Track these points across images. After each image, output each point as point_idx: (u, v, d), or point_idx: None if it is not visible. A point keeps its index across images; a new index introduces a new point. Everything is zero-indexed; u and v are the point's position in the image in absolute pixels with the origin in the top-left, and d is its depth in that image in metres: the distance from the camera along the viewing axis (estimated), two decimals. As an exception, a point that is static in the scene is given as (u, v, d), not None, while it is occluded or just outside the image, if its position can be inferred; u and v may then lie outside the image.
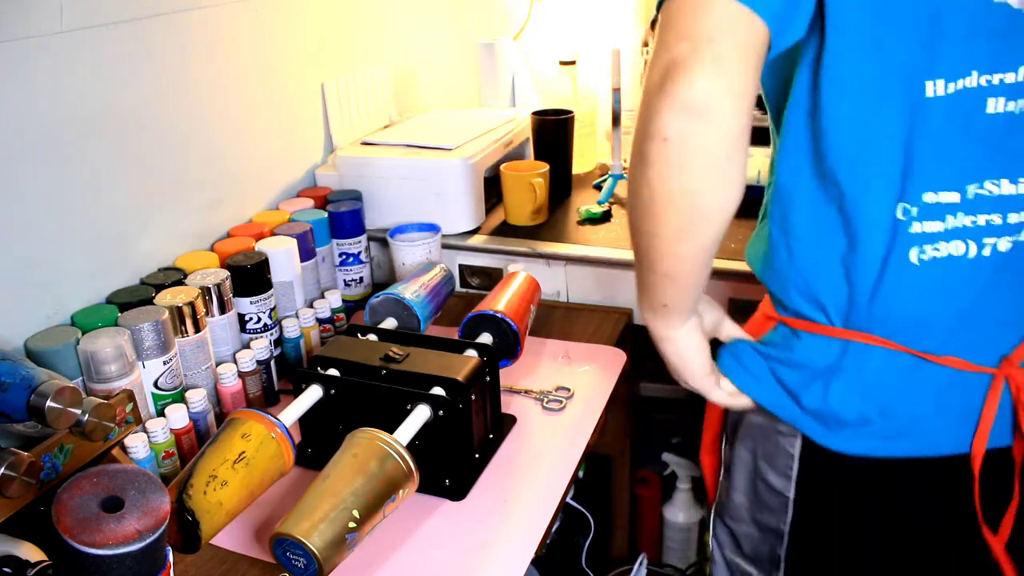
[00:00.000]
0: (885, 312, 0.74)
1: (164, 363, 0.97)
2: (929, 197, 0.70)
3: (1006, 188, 0.70)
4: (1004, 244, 0.71)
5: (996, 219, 0.71)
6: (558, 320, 1.28)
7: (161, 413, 0.98)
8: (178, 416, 0.96)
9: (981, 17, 0.66)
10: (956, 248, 0.71)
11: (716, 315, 0.85)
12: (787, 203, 0.76)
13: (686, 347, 0.79)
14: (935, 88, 0.67)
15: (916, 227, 0.71)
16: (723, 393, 0.83)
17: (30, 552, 0.75)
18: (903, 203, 0.71)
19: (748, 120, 0.64)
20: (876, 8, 0.66)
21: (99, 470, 0.66)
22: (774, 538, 0.87)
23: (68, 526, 0.61)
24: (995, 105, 0.68)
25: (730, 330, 0.86)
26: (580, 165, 1.63)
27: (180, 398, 1.00)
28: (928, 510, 0.81)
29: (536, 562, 0.87)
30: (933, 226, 0.71)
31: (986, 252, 0.71)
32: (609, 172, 1.54)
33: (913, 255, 0.72)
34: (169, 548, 0.69)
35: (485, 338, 1.06)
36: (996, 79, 0.67)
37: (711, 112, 0.62)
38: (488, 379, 0.97)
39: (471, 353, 0.99)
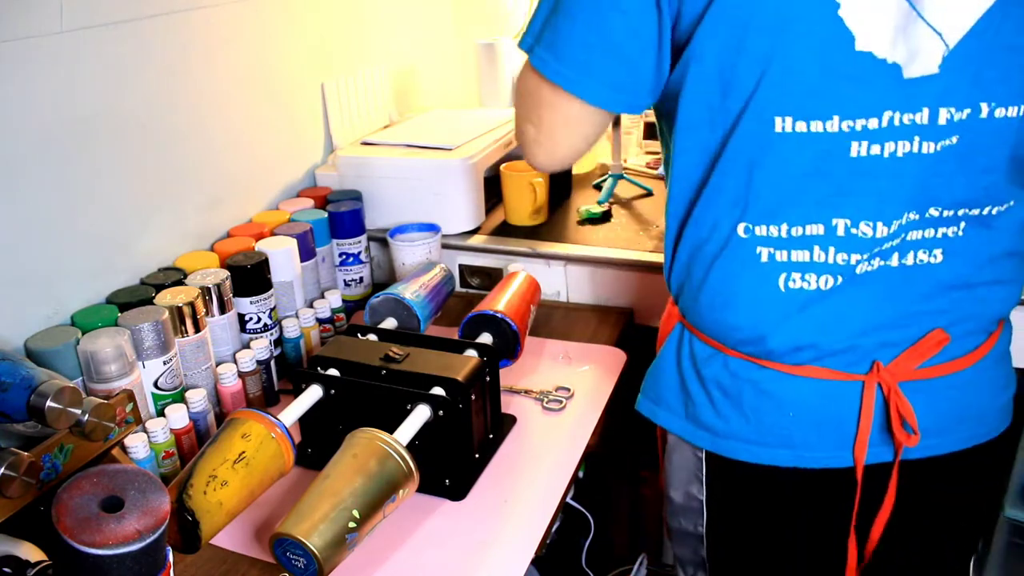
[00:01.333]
0: (752, 334, 0.77)
1: (164, 363, 0.97)
2: (795, 231, 0.73)
3: (874, 226, 0.72)
4: (868, 267, 0.74)
5: (863, 255, 0.74)
6: (558, 320, 1.28)
7: (161, 413, 0.98)
8: (178, 416, 0.96)
9: (838, 63, 0.67)
10: (824, 282, 0.74)
11: None
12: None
13: None
14: (783, 124, 0.69)
15: (781, 255, 0.74)
16: None
17: (30, 552, 0.75)
18: (745, 223, 0.74)
19: (567, 159, 0.84)
20: (729, 38, 0.68)
21: (99, 470, 0.66)
22: (695, 541, 0.92)
23: (68, 526, 0.61)
24: (859, 149, 0.70)
25: None
26: (580, 165, 1.63)
27: (180, 398, 1.00)
28: (805, 521, 0.84)
29: (536, 562, 0.87)
30: (799, 255, 0.74)
31: (857, 271, 0.74)
32: (609, 172, 1.54)
33: (780, 282, 0.75)
34: (169, 548, 0.69)
35: (485, 338, 1.06)
36: (859, 124, 0.69)
37: (547, 170, 0.86)
38: (488, 379, 0.97)
39: (471, 353, 0.99)
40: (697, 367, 0.83)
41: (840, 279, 0.74)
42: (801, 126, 0.69)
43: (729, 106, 0.71)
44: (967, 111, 0.69)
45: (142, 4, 1.05)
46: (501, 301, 1.09)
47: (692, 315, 0.83)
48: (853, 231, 0.72)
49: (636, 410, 0.91)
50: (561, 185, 1.54)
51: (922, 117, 0.68)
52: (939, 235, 0.74)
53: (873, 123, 0.69)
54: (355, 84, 1.52)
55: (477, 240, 1.37)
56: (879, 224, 0.72)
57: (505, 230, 1.40)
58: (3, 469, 0.73)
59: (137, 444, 0.90)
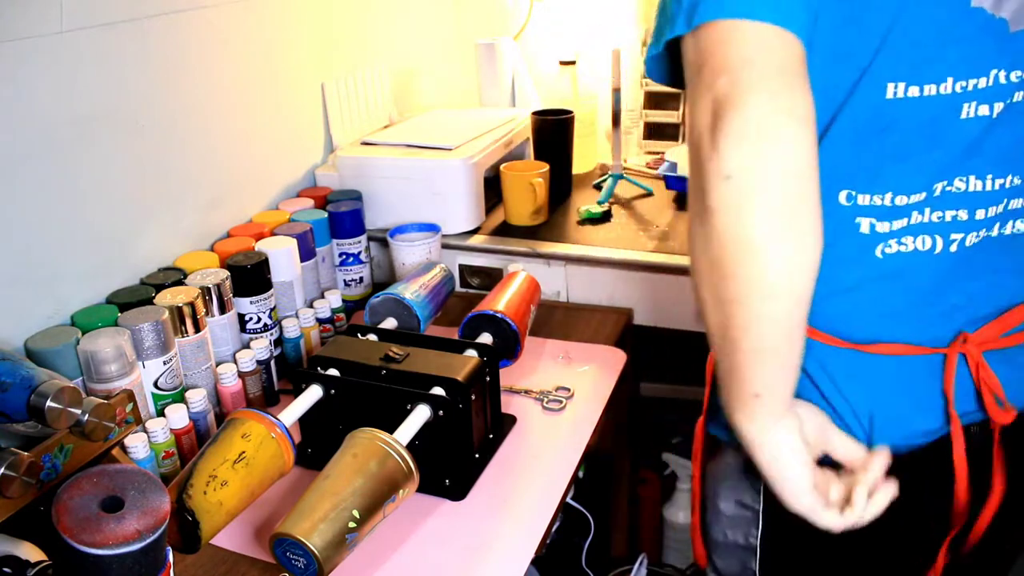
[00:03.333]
0: (844, 308, 0.74)
1: (164, 363, 0.97)
2: (899, 199, 0.70)
3: (974, 184, 0.71)
4: (971, 239, 0.73)
5: (963, 215, 0.72)
6: (558, 320, 1.28)
7: (161, 413, 0.98)
8: (178, 416, 0.96)
9: (954, 24, 0.66)
10: (922, 243, 0.72)
11: (820, 421, 0.73)
12: None
13: (782, 452, 0.66)
14: (895, 90, 0.67)
15: (882, 226, 0.71)
16: (834, 514, 0.68)
17: (30, 552, 0.75)
18: (848, 190, 0.71)
19: (814, 147, 0.59)
20: (843, 12, 0.65)
21: (99, 470, 0.66)
22: (746, 554, 0.86)
23: (68, 526, 0.61)
24: (968, 110, 0.69)
25: (841, 442, 0.72)
26: (580, 165, 1.63)
27: (180, 398, 1.00)
28: (900, 508, 0.82)
29: (536, 562, 0.87)
30: (899, 223, 0.71)
31: (952, 248, 0.72)
32: (609, 172, 1.54)
33: (878, 251, 0.72)
34: (169, 548, 0.69)
35: (485, 338, 1.06)
36: (971, 85, 0.68)
37: (773, 136, 0.57)
38: (488, 379, 0.97)
39: (471, 353, 0.99)
40: None
41: (941, 246, 0.72)
42: (914, 91, 0.66)
43: (839, 76, 0.67)
44: None
45: (142, 4, 1.05)
46: (501, 301, 1.09)
47: None
48: (958, 197, 0.70)
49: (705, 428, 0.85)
50: (561, 185, 1.54)
51: (1021, 74, 0.68)
52: None
53: (983, 82, 0.67)
54: (355, 84, 1.52)
55: (477, 240, 1.37)
56: (985, 189, 0.70)
57: (505, 230, 1.40)
58: (3, 469, 0.73)
59: (137, 444, 0.90)
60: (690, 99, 0.61)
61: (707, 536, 0.91)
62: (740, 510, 0.85)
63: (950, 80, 0.67)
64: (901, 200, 0.71)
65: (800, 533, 0.79)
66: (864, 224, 0.72)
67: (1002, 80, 0.68)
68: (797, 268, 0.59)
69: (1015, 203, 0.73)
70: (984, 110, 0.69)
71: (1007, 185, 0.72)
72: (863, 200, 0.71)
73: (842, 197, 0.71)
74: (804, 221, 0.58)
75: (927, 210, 0.71)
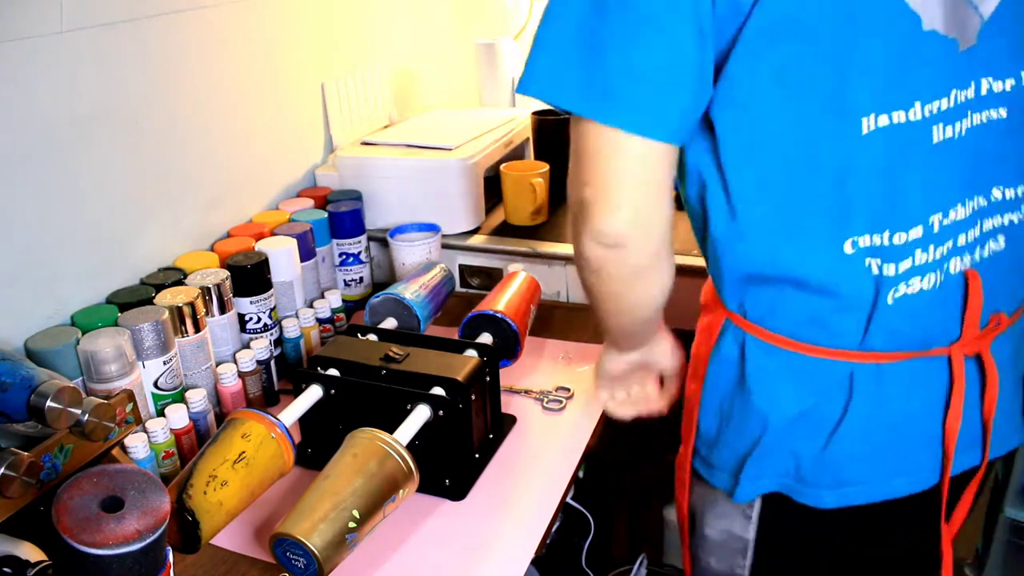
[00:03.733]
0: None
1: (164, 363, 0.97)
2: (897, 238, 0.69)
3: (959, 213, 0.71)
4: (965, 262, 0.72)
5: (961, 240, 0.71)
6: (558, 320, 1.28)
7: (161, 413, 0.98)
8: (178, 416, 0.96)
9: (912, 48, 0.65)
10: (927, 282, 0.71)
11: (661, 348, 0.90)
12: None
13: (610, 362, 0.91)
14: (868, 124, 0.66)
15: (888, 269, 0.70)
16: (610, 400, 0.95)
17: (30, 552, 0.75)
18: (851, 237, 0.69)
19: (661, 239, 0.71)
20: (793, 54, 0.64)
21: (99, 470, 0.66)
22: None
23: (68, 526, 0.61)
24: (939, 133, 0.68)
25: (660, 356, 0.90)
26: (580, 165, 1.63)
27: (180, 398, 1.00)
28: (893, 554, 0.82)
29: (536, 562, 0.87)
30: (904, 264, 0.70)
31: (952, 272, 0.72)
32: (609, 172, 1.54)
33: (889, 297, 0.71)
34: (169, 548, 0.69)
35: (485, 338, 1.06)
36: (935, 107, 0.67)
37: (620, 244, 0.69)
38: (488, 379, 0.97)
39: (471, 353, 0.99)
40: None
41: (941, 279, 0.71)
42: (884, 120, 0.66)
43: (803, 117, 0.66)
44: (1011, 81, 0.69)
45: (142, 4, 1.05)
46: (501, 301, 1.09)
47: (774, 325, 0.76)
48: (945, 223, 0.70)
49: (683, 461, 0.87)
50: (561, 185, 1.54)
51: (972, 91, 0.68)
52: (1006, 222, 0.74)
53: (945, 103, 0.67)
54: (355, 84, 1.52)
55: (477, 240, 1.37)
56: (962, 211, 0.71)
57: (505, 230, 1.40)
58: (3, 469, 0.73)
59: (137, 444, 0.90)
60: (569, 175, 0.71)
61: (693, 558, 0.91)
62: (728, 539, 0.84)
63: (917, 104, 0.66)
64: (900, 238, 0.69)
65: (792, 563, 0.82)
66: (873, 266, 0.70)
67: (960, 99, 0.68)
68: (638, 307, 0.77)
69: (988, 223, 0.72)
70: (950, 131, 0.68)
71: (975, 208, 0.71)
72: (864, 242, 0.69)
73: (847, 247, 0.69)
74: (646, 285, 0.74)
75: (931, 247, 0.70)
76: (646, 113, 0.64)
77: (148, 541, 0.63)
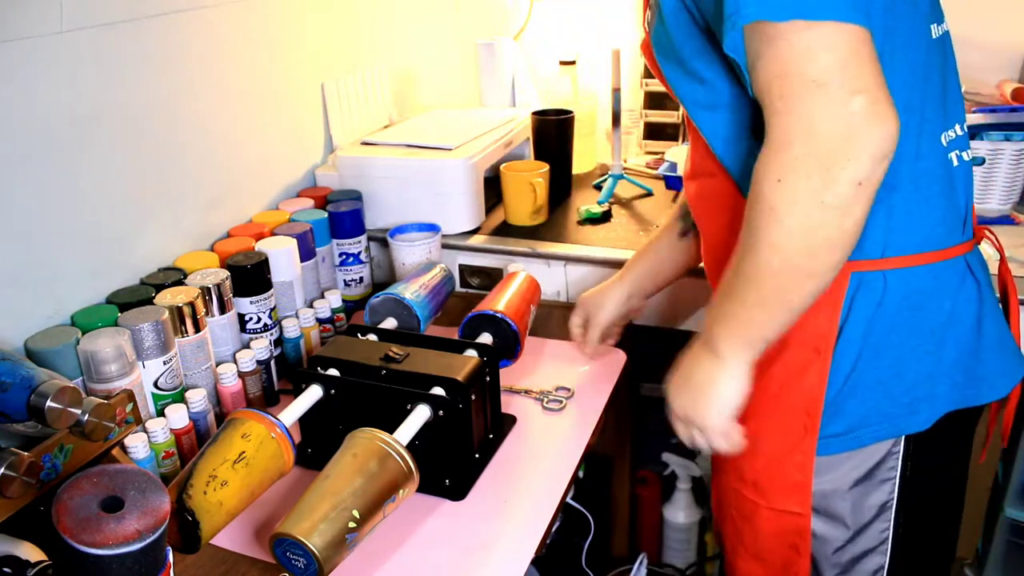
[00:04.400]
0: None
1: (164, 363, 0.97)
2: (957, 127, 0.81)
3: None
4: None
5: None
6: (558, 320, 1.28)
7: (161, 413, 0.98)
8: (178, 416, 0.96)
9: None
10: (958, 160, 0.82)
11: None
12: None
13: (745, 382, 0.77)
14: (936, 30, 0.77)
15: (955, 157, 0.81)
16: (734, 437, 0.80)
17: (30, 552, 0.75)
18: (944, 132, 0.79)
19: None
20: None
21: (99, 470, 0.66)
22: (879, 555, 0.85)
23: (68, 526, 0.61)
24: (935, 30, 0.79)
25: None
26: (580, 165, 1.63)
27: (180, 398, 1.00)
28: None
29: (536, 562, 0.87)
30: (958, 147, 0.81)
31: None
32: (609, 172, 1.54)
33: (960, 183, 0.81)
34: (169, 548, 0.69)
35: (485, 338, 1.06)
36: (945, 26, 0.80)
37: (894, 148, 0.66)
38: (488, 379, 0.97)
39: (471, 353, 0.99)
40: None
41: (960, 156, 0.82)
42: (938, 30, 0.78)
43: (903, 26, 0.73)
44: None
45: (142, 4, 1.05)
46: (501, 301, 1.09)
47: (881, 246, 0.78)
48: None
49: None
50: (561, 185, 1.54)
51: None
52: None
53: (944, 26, 0.81)
54: (355, 84, 1.52)
55: (477, 240, 1.37)
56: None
57: (505, 230, 1.40)
58: (3, 469, 0.73)
59: (137, 444, 0.90)
60: (793, 92, 0.64)
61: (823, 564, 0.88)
62: (868, 510, 0.85)
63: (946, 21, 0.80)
64: (958, 128, 0.81)
65: (935, 495, 0.87)
66: (953, 157, 0.80)
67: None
68: (845, 255, 0.70)
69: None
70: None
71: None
72: (950, 135, 0.80)
73: (943, 140, 0.79)
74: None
75: (956, 126, 0.81)
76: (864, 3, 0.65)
77: (148, 541, 0.63)
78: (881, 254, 0.78)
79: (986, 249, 0.92)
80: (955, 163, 0.79)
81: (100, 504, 0.64)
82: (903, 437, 0.81)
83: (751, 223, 0.70)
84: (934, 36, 0.77)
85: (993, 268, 0.89)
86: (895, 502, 0.83)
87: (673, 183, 1.49)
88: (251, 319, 1.12)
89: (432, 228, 1.33)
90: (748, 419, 0.81)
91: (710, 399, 0.78)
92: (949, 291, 0.79)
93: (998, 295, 0.88)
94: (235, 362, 1.06)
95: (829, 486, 0.83)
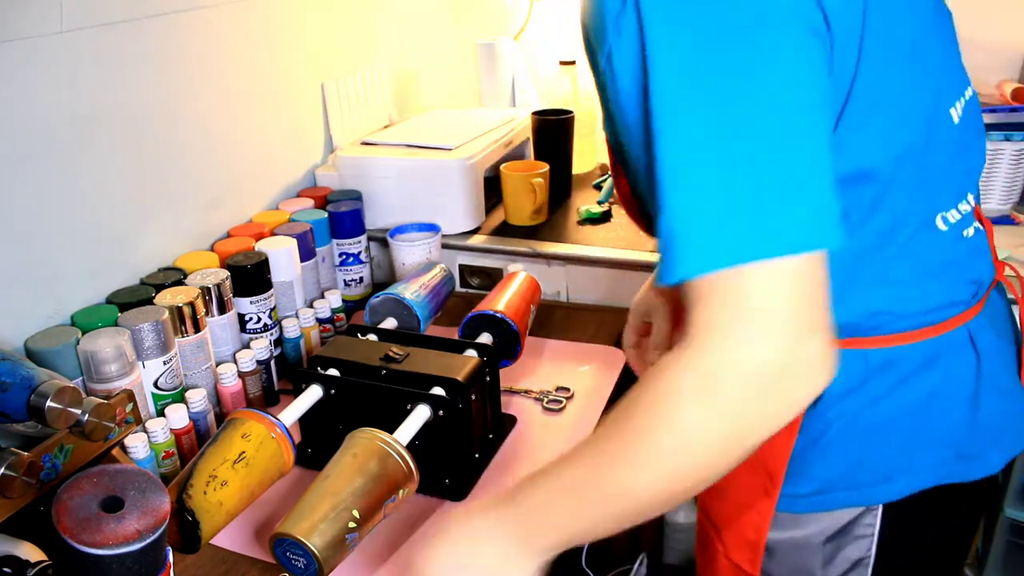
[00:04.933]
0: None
1: (164, 363, 0.97)
2: (970, 198, 0.74)
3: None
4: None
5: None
6: (558, 320, 1.28)
7: (161, 413, 0.98)
8: (178, 416, 0.96)
9: (946, 30, 0.70)
10: (971, 230, 0.75)
11: None
12: None
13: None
14: (955, 114, 0.69)
15: (967, 231, 0.75)
16: None
17: (30, 552, 0.75)
18: (941, 213, 0.71)
19: None
20: (896, 51, 0.62)
21: (99, 470, 0.66)
22: None
23: (68, 526, 0.61)
24: (969, 91, 0.73)
25: None
26: (580, 165, 1.63)
27: (180, 398, 1.00)
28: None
29: (536, 562, 0.87)
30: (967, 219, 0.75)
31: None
32: (609, 172, 1.54)
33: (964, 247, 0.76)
34: (169, 548, 0.69)
35: (485, 338, 1.06)
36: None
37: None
38: (488, 379, 0.97)
39: (471, 353, 0.99)
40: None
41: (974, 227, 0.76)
42: (961, 104, 0.70)
43: (917, 110, 0.65)
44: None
45: (142, 4, 1.05)
46: (501, 301, 1.09)
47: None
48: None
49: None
50: (561, 185, 1.54)
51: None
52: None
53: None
54: (355, 84, 1.52)
55: (477, 240, 1.37)
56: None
57: (505, 230, 1.40)
58: (3, 469, 0.74)
59: (137, 444, 0.90)
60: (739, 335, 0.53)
61: None
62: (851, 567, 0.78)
63: (967, 77, 0.72)
64: (971, 198, 0.74)
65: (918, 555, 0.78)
66: (969, 232, 0.74)
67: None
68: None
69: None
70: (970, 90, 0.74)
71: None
72: (954, 217, 0.72)
73: (939, 223, 0.71)
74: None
75: (970, 196, 0.75)
76: (823, 218, 0.54)
77: (148, 541, 0.63)
78: (864, 334, 0.72)
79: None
80: (971, 234, 0.73)
81: (100, 504, 0.64)
82: (880, 505, 0.76)
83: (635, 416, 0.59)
84: (955, 121, 0.69)
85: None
86: (872, 559, 0.77)
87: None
88: (251, 319, 1.12)
89: (432, 228, 1.33)
90: None
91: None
92: (940, 365, 0.72)
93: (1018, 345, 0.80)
94: (235, 362, 1.06)
95: (801, 536, 0.78)
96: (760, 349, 0.53)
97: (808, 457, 0.75)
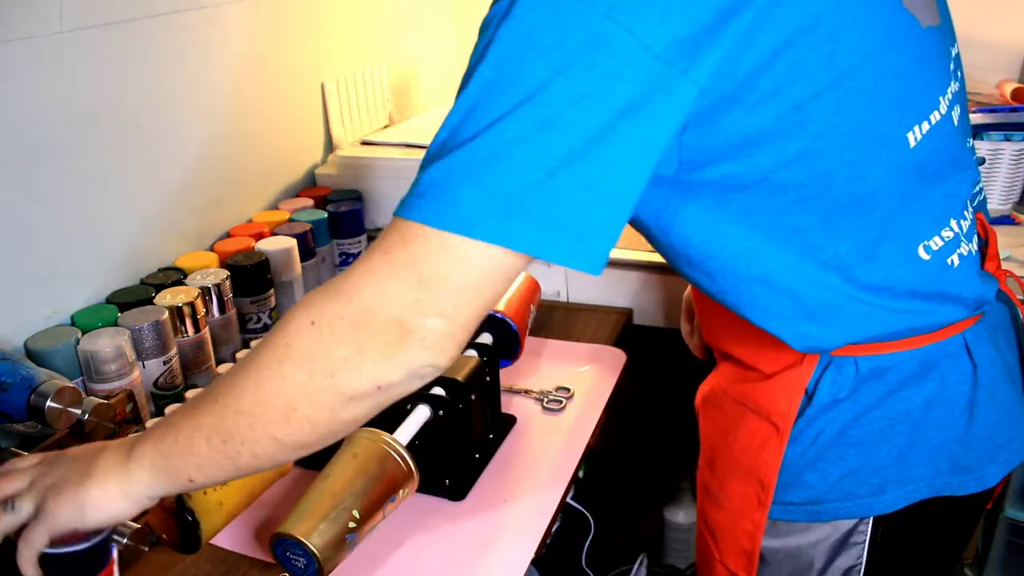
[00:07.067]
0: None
1: (164, 363, 0.97)
2: (952, 225, 0.70)
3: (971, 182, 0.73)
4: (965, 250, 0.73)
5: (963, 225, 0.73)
6: (558, 320, 1.28)
7: (161, 413, 0.98)
8: (178, 416, 0.96)
9: (922, 50, 0.66)
10: (967, 248, 0.73)
11: None
12: None
13: (129, 514, 0.64)
14: (915, 136, 0.65)
15: (959, 250, 0.72)
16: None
17: None
18: (923, 242, 0.69)
19: None
20: (832, 77, 0.60)
21: None
22: None
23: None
24: (956, 112, 0.69)
25: None
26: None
27: (180, 398, 1.00)
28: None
29: (536, 562, 0.87)
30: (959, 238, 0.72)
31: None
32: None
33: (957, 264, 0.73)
34: (113, 546, 0.69)
35: (485, 338, 1.06)
36: (948, 97, 0.68)
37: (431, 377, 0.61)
38: (488, 379, 0.97)
39: (471, 353, 0.99)
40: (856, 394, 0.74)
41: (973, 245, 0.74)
42: (925, 127, 0.66)
43: (865, 139, 0.62)
44: (955, 48, 0.73)
45: (142, 4, 1.05)
46: (501, 301, 1.09)
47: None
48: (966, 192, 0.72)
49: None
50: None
51: (952, 65, 0.71)
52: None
53: (953, 86, 0.69)
54: (355, 84, 1.52)
55: (477, 240, 1.36)
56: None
57: (505, 230, 1.39)
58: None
59: (137, 444, 0.90)
60: (394, 287, 0.57)
61: None
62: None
63: (941, 100, 0.67)
64: (956, 222, 0.70)
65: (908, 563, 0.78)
66: (955, 259, 0.70)
67: (951, 74, 0.70)
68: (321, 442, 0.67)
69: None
70: (958, 110, 0.70)
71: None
72: (936, 244, 0.69)
73: (920, 252, 0.69)
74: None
75: (966, 212, 0.72)
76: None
77: (95, 542, 0.63)
78: (854, 341, 0.71)
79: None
80: (955, 263, 0.70)
81: None
82: (871, 517, 0.75)
83: (264, 339, 0.60)
84: (912, 144, 0.65)
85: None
86: (863, 567, 0.77)
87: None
88: (251, 319, 1.12)
89: (432, 228, 1.33)
90: (716, 467, 0.80)
91: (76, 499, 0.62)
92: (935, 374, 0.71)
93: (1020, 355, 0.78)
94: (235, 362, 1.06)
95: (795, 545, 0.78)
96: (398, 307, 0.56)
97: (800, 466, 0.75)
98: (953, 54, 0.72)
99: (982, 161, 1.29)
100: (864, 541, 0.75)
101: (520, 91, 0.55)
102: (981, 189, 0.78)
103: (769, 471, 0.75)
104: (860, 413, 0.72)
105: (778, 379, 0.74)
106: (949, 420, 0.72)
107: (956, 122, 0.70)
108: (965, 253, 0.72)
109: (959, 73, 0.73)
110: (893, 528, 0.75)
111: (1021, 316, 0.78)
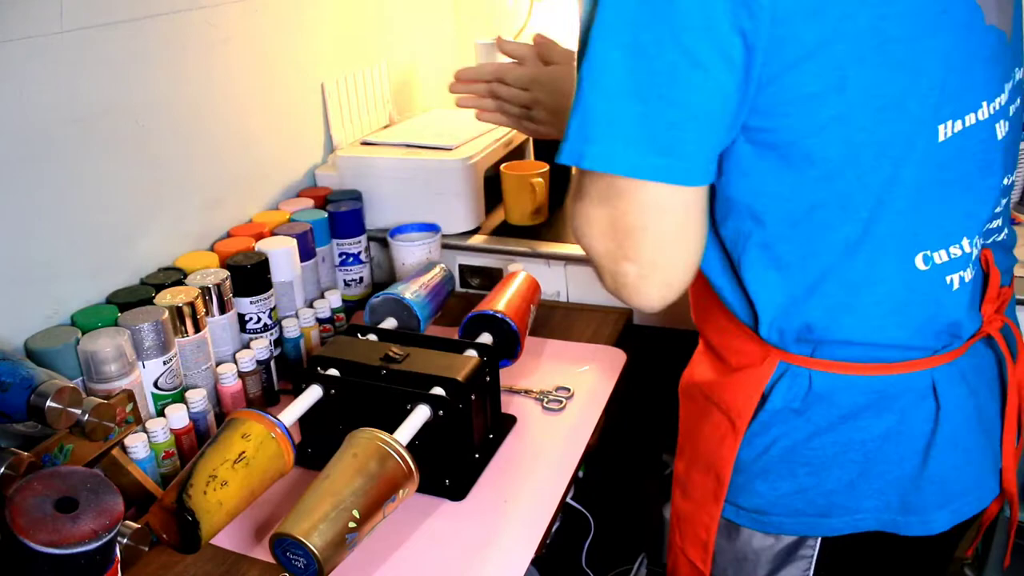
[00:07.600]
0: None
1: (164, 363, 0.97)
2: (964, 243, 0.68)
3: (1000, 204, 0.71)
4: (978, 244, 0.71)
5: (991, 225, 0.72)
6: (558, 320, 1.28)
7: (161, 413, 0.98)
8: (178, 416, 0.96)
9: (977, 45, 0.63)
10: (969, 272, 0.70)
11: None
12: None
13: None
14: (946, 131, 0.64)
15: (957, 275, 0.69)
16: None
17: None
18: (923, 251, 0.67)
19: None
20: (876, 58, 0.59)
21: (50, 471, 0.66)
22: None
23: (23, 526, 0.61)
24: (1001, 129, 0.67)
25: None
26: (580, 165, 1.63)
27: (180, 398, 1.00)
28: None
29: (536, 562, 0.87)
30: (963, 264, 0.69)
31: (975, 257, 0.71)
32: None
33: (952, 292, 0.70)
34: (117, 546, 0.69)
35: (485, 338, 1.06)
36: (997, 104, 0.66)
37: (671, 299, 0.69)
38: (488, 379, 0.97)
39: (471, 353, 0.99)
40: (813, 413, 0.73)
41: (974, 270, 0.71)
42: (959, 125, 0.64)
43: (890, 128, 0.62)
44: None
45: (142, 4, 1.05)
46: (501, 301, 1.09)
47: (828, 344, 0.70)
48: (987, 218, 0.69)
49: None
50: (561, 185, 1.54)
51: (1011, 84, 0.68)
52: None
53: (1002, 99, 0.66)
54: (355, 84, 1.52)
55: (477, 240, 1.37)
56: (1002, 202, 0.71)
57: (505, 230, 1.40)
58: (3, 469, 0.74)
59: (137, 444, 0.90)
60: (594, 243, 0.69)
61: None
62: None
63: (984, 104, 0.65)
64: (968, 243, 0.68)
65: None
66: (955, 280, 0.68)
67: (1006, 92, 0.67)
68: None
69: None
70: (1003, 127, 0.68)
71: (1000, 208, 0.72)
72: (940, 258, 0.67)
73: (919, 262, 0.67)
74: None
75: (976, 239, 0.69)
76: (695, 160, 0.61)
77: (104, 540, 0.63)
78: (810, 352, 0.70)
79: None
80: (955, 286, 0.68)
81: (55, 505, 0.63)
82: (818, 538, 0.75)
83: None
84: (940, 138, 0.64)
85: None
86: None
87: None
88: (251, 319, 1.12)
89: (432, 228, 1.33)
90: (686, 457, 0.80)
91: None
92: (896, 407, 0.70)
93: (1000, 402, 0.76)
94: (235, 362, 1.06)
95: (742, 551, 0.79)
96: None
97: (753, 472, 0.75)
98: (1018, 77, 0.69)
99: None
100: (812, 556, 0.75)
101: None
102: (1002, 229, 0.74)
103: (725, 466, 0.76)
104: (813, 433, 0.71)
105: (740, 376, 0.74)
106: (905, 457, 0.71)
107: (999, 136, 0.67)
108: (967, 279, 0.69)
109: (1020, 99, 0.71)
110: (841, 551, 0.75)
111: (1007, 367, 0.75)
